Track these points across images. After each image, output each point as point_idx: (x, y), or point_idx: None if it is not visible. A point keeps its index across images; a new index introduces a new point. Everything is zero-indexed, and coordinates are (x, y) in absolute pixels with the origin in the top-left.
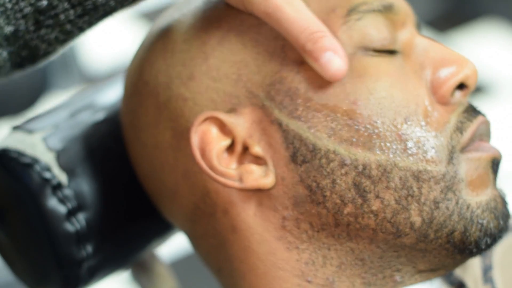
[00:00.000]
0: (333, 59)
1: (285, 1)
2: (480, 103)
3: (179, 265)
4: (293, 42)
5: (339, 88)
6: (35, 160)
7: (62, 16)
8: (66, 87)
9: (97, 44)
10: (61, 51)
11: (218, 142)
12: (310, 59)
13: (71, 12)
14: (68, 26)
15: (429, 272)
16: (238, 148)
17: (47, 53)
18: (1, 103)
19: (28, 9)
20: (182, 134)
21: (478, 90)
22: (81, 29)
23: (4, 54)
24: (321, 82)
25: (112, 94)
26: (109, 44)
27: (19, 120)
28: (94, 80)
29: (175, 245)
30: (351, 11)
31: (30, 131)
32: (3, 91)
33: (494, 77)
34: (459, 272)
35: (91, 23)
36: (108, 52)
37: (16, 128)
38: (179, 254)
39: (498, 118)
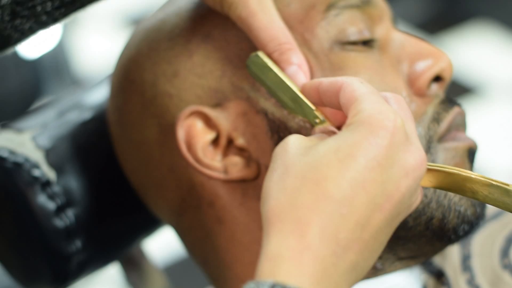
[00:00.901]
0: (298, 74)
1: (259, 8)
2: (470, 105)
3: (172, 270)
4: (261, 49)
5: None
6: (25, 159)
7: (39, 8)
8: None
9: (89, 51)
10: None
11: (203, 135)
12: None
13: (49, 4)
14: (44, 17)
15: (409, 259)
16: (223, 141)
17: (18, 42)
18: None
19: (6, 0)
20: (168, 130)
21: (469, 91)
22: (56, 20)
23: None
24: None
25: (99, 94)
26: (101, 51)
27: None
28: None
29: (168, 250)
30: (329, 7)
31: (19, 130)
32: None
33: (484, 79)
34: (438, 260)
35: (66, 15)
36: (100, 58)
37: (4, 126)
38: (172, 259)
39: (488, 119)
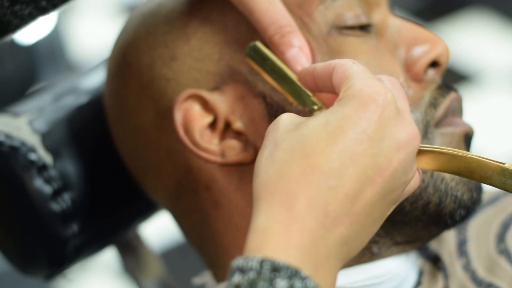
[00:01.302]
0: (299, 56)
1: None
2: (466, 92)
3: (168, 255)
4: (261, 32)
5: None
6: (21, 143)
7: None
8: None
9: (84, 37)
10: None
11: (200, 119)
12: (275, 51)
13: None
14: (43, 3)
15: (406, 244)
16: (220, 124)
17: (17, 28)
18: None
19: None
20: (165, 114)
21: (465, 79)
22: (55, 6)
23: None
24: None
25: (95, 78)
26: (96, 36)
27: None
28: None
29: (164, 235)
30: None
31: (15, 114)
32: None
33: (479, 66)
34: (434, 246)
35: (65, 0)
36: (95, 44)
37: (0, 110)
38: (168, 244)
39: (484, 107)
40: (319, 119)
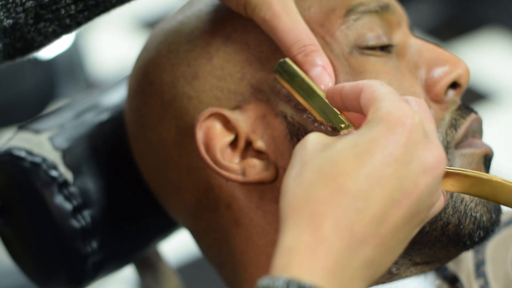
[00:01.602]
0: (323, 75)
1: (283, 11)
2: (482, 111)
3: (185, 270)
4: (285, 51)
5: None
6: (42, 159)
7: (63, 11)
8: (73, 96)
9: (103, 52)
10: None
11: (222, 137)
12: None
13: (72, 7)
14: (67, 20)
15: (424, 264)
16: (241, 143)
17: (41, 45)
18: (9, 111)
19: (30, 3)
20: (187, 131)
21: (481, 98)
22: (79, 24)
23: (0, 45)
24: None
25: (116, 96)
26: (114, 52)
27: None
28: None
29: (181, 250)
30: (349, 11)
31: (36, 131)
32: (11, 100)
33: (496, 86)
34: (452, 266)
35: (89, 18)
36: (114, 61)
37: (22, 127)
38: (185, 259)
39: (501, 125)
40: (348, 141)
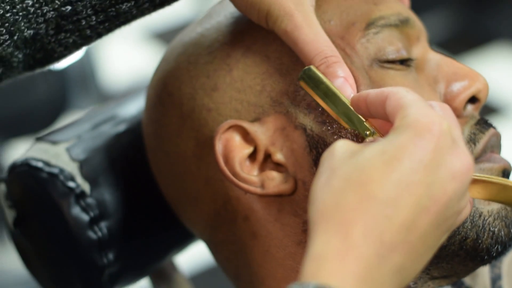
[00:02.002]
0: (344, 86)
1: (305, 22)
2: (494, 125)
3: (198, 279)
4: (306, 62)
5: None
6: (60, 170)
7: (83, 22)
8: (85, 107)
9: (114, 62)
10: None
11: (241, 149)
12: None
13: (93, 18)
14: (88, 31)
15: (442, 279)
16: (260, 155)
17: (61, 56)
18: (22, 121)
19: (51, 14)
20: (205, 143)
21: (491, 111)
22: (99, 35)
23: (20, 56)
24: None
25: (132, 107)
26: (126, 64)
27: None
28: (111, 99)
29: (194, 259)
30: (369, 25)
31: (54, 142)
32: (24, 110)
33: (506, 100)
34: (468, 281)
35: (110, 30)
36: (125, 72)
37: (39, 139)
38: (198, 268)
39: (510, 139)
40: (376, 148)
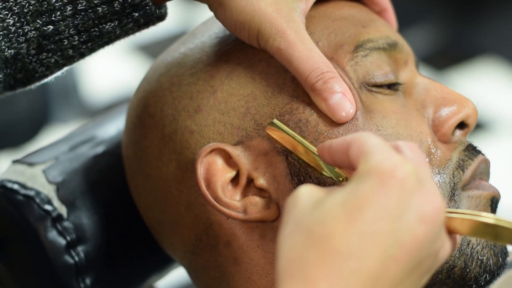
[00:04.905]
0: (343, 102)
1: (298, 39)
2: (477, 141)
3: None
4: (302, 79)
5: (351, 123)
6: (36, 192)
7: (65, 42)
8: (67, 120)
9: (96, 77)
10: (55, 75)
11: (223, 173)
12: (318, 98)
13: (76, 37)
14: (70, 51)
15: None
16: (243, 180)
17: (42, 77)
18: (2, 135)
19: (32, 33)
20: (187, 166)
21: (475, 127)
22: (82, 55)
23: (0, 75)
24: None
25: (112, 128)
26: (107, 77)
27: (19, 152)
28: (94, 113)
29: (174, 285)
30: (358, 47)
31: (30, 164)
32: (4, 123)
33: (491, 115)
34: None
35: (93, 50)
36: (108, 85)
37: (16, 161)
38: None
39: (495, 155)
40: (337, 198)
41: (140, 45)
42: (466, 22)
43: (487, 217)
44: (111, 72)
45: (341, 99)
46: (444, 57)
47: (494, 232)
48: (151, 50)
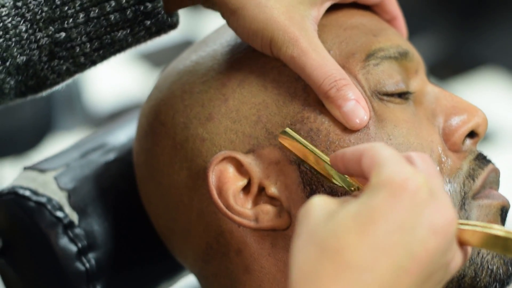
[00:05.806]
0: (357, 109)
1: (310, 47)
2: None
3: None
4: (315, 87)
5: (362, 132)
6: (47, 199)
7: (77, 49)
8: (70, 128)
9: (100, 85)
10: (66, 83)
11: (234, 181)
12: (332, 105)
13: (88, 45)
14: (82, 59)
15: None
16: (254, 188)
17: (53, 84)
18: (6, 142)
19: (44, 40)
20: (198, 174)
21: None
22: (94, 63)
23: (12, 82)
24: (344, 125)
25: (122, 135)
26: (111, 85)
27: (23, 159)
28: (97, 121)
29: (182, 286)
30: (369, 56)
31: (42, 170)
32: (8, 130)
33: (493, 125)
34: None
35: (104, 57)
36: (112, 93)
37: (27, 168)
38: None
39: (499, 165)
40: (350, 210)
41: (143, 53)
42: (468, 33)
43: (498, 230)
44: (115, 80)
45: (355, 106)
46: (446, 67)
47: (504, 244)
48: (155, 58)
